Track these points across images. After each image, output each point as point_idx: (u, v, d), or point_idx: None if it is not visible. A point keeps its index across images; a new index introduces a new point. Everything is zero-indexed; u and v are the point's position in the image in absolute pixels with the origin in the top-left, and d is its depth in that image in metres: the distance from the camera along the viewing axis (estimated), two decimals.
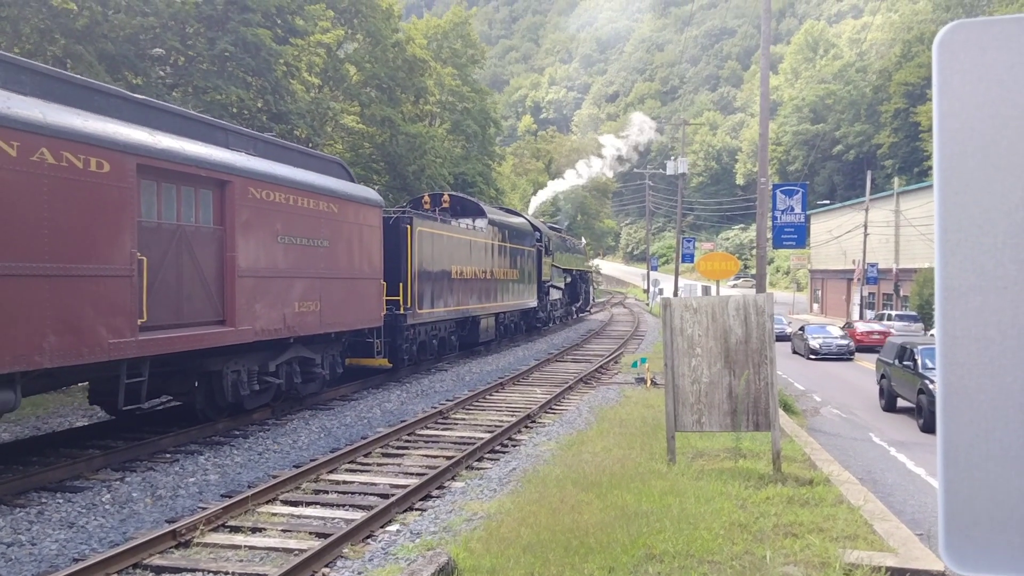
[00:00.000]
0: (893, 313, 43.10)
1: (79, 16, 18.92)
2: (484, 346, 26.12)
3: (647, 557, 6.26)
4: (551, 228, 39.86)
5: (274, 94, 23.94)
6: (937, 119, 1.47)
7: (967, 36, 1.46)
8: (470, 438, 12.31)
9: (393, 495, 8.72)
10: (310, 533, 7.71)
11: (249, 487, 9.39)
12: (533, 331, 33.25)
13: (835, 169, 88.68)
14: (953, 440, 1.45)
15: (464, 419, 14.12)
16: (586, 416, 13.58)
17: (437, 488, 9.49)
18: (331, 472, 10.11)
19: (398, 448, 11.69)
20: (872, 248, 49.65)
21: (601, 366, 21.94)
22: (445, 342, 22.31)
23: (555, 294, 37.52)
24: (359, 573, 6.52)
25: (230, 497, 8.83)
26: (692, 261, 48.50)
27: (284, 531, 7.81)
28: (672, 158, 55.64)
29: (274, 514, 8.37)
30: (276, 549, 7.27)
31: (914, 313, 41.23)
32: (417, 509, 8.66)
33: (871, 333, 35.00)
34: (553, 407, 15.45)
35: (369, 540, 7.57)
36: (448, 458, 10.74)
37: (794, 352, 33.39)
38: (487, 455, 11.33)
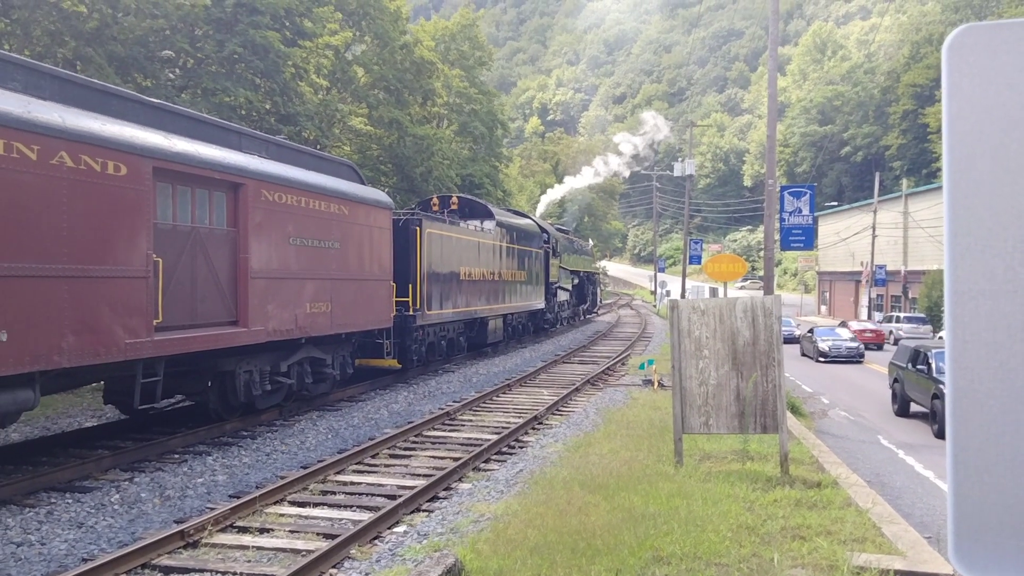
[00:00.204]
0: (902, 315, 42.98)
1: (89, 18, 19.03)
2: (492, 347, 26.13)
3: (654, 559, 6.26)
4: (558, 230, 39.84)
5: (282, 96, 24.02)
6: (946, 123, 1.47)
7: (976, 39, 1.46)
8: (477, 439, 12.32)
9: (400, 496, 8.73)
10: (317, 534, 7.73)
11: (257, 488, 9.41)
12: (541, 332, 33.24)
13: (843, 171, 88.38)
14: (963, 443, 1.44)
15: (471, 420, 14.13)
16: (593, 418, 13.57)
17: (444, 489, 9.50)
18: (338, 473, 10.13)
19: (405, 449, 11.70)
20: (880, 250, 49.49)
21: (608, 368, 21.92)
22: (453, 343, 22.34)
23: (562, 295, 37.51)
24: (366, 574, 6.53)
25: (238, 498, 8.85)
26: (699, 263, 48.46)
27: (292, 532, 7.83)
28: (679, 159, 55.55)
29: (282, 515, 8.40)
30: (284, 550, 7.29)
31: (923, 315, 41.10)
32: (424, 510, 8.67)
33: (863, 332, 36.56)
34: (560, 409, 15.45)
35: (376, 541, 7.59)
36: (455, 459, 10.75)
37: (803, 355, 33.29)
38: (494, 457, 11.34)
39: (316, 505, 8.81)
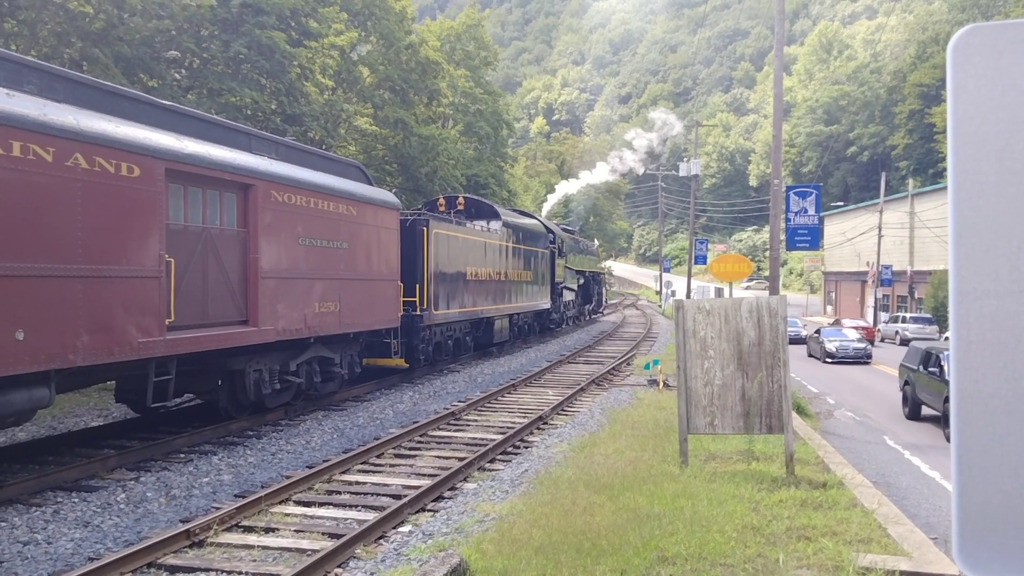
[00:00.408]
0: (908, 315, 42.83)
1: (95, 19, 19.08)
2: (498, 347, 26.14)
3: (659, 560, 6.25)
4: (564, 230, 39.83)
5: (288, 96, 24.06)
6: (952, 123, 1.47)
7: (982, 39, 1.46)
8: (482, 439, 12.32)
9: (405, 496, 8.73)
10: (323, 533, 7.73)
11: (262, 487, 9.43)
12: (546, 332, 33.24)
13: (849, 170, 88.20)
14: (967, 444, 1.44)
15: (476, 420, 14.14)
16: (598, 418, 13.57)
17: (449, 489, 9.51)
18: (344, 473, 10.14)
19: (410, 449, 11.71)
20: (886, 250, 49.33)
21: (613, 368, 21.90)
22: (460, 343, 22.37)
23: (568, 295, 37.50)
24: (371, 574, 6.54)
25: (243, 497, 8.87)
26: (705, 263, 48.36)
27: (297, 531, 7.84)
28: (685, 159, 55.48)
29: (287, 514, 8.41)
30: (289, 549, 7.30)
31: (929, 316, 40.96)
32: (429, 510, 8.67)
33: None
34: (565, 409, 15.44)
35: (382, 541, 7.59)
36: (460, 459, 10.75)
37: (810, 355, 33.17)
38: (499, 456, 11.34)
39: (321, 505, 8.82)
